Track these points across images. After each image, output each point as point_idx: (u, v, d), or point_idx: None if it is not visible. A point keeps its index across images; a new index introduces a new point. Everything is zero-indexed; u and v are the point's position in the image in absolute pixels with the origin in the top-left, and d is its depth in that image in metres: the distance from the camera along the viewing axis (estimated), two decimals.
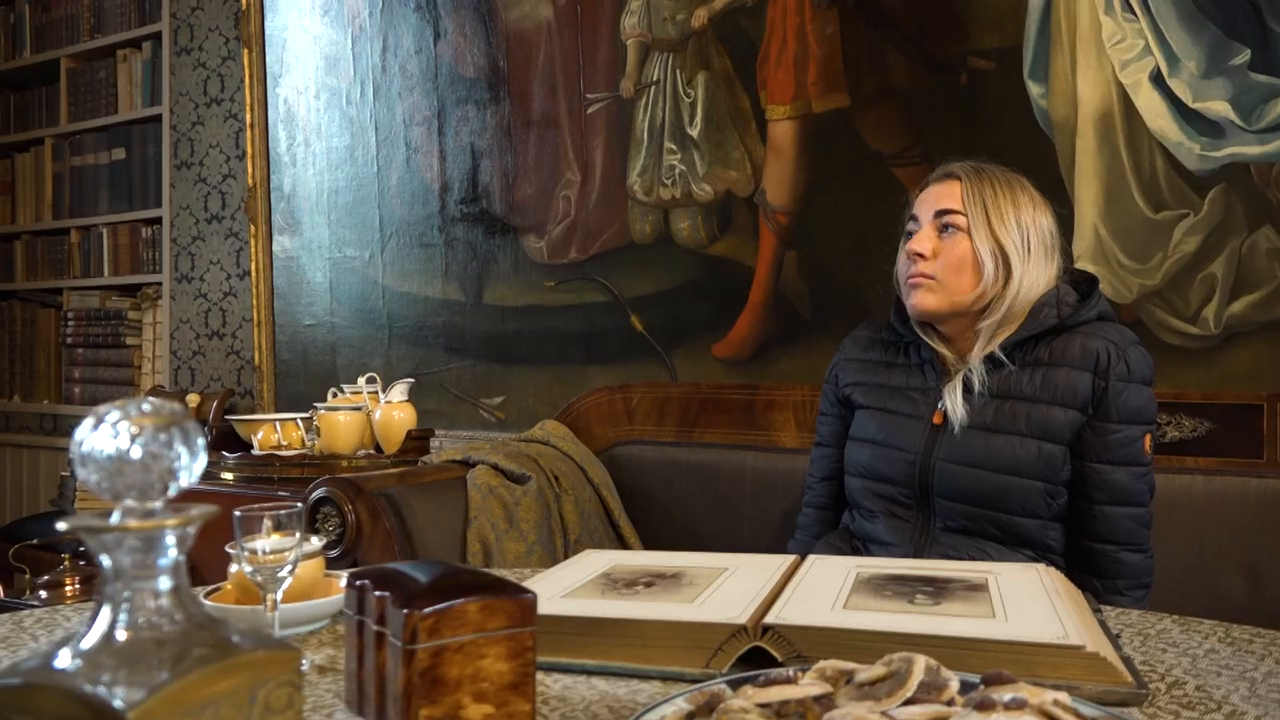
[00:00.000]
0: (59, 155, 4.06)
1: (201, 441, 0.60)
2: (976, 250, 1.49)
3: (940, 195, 1.54)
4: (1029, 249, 1.51)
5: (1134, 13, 1.93)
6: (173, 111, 3.67)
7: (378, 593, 0.75)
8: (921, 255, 1.52)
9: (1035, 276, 1.50)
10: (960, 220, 1.51)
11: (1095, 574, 1.45)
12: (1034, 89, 2.03)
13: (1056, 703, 0.64)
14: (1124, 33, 1.94)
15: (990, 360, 1.49)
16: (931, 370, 1.57)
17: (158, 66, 3.72)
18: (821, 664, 0.74)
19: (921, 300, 1.52)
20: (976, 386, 1.48)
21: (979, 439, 1.46)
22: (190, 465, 0.59)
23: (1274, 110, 1.82)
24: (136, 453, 0.57)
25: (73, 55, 3.97)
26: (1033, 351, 1.49)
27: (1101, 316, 1.51)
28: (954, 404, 1.48)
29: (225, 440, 2.73)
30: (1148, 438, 1.45)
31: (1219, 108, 1.86)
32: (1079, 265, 1.98)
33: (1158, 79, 1.91)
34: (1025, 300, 1.49)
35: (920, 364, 1.59)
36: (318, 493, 1.88)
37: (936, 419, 1.52)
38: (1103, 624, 0.95)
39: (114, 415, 0.58)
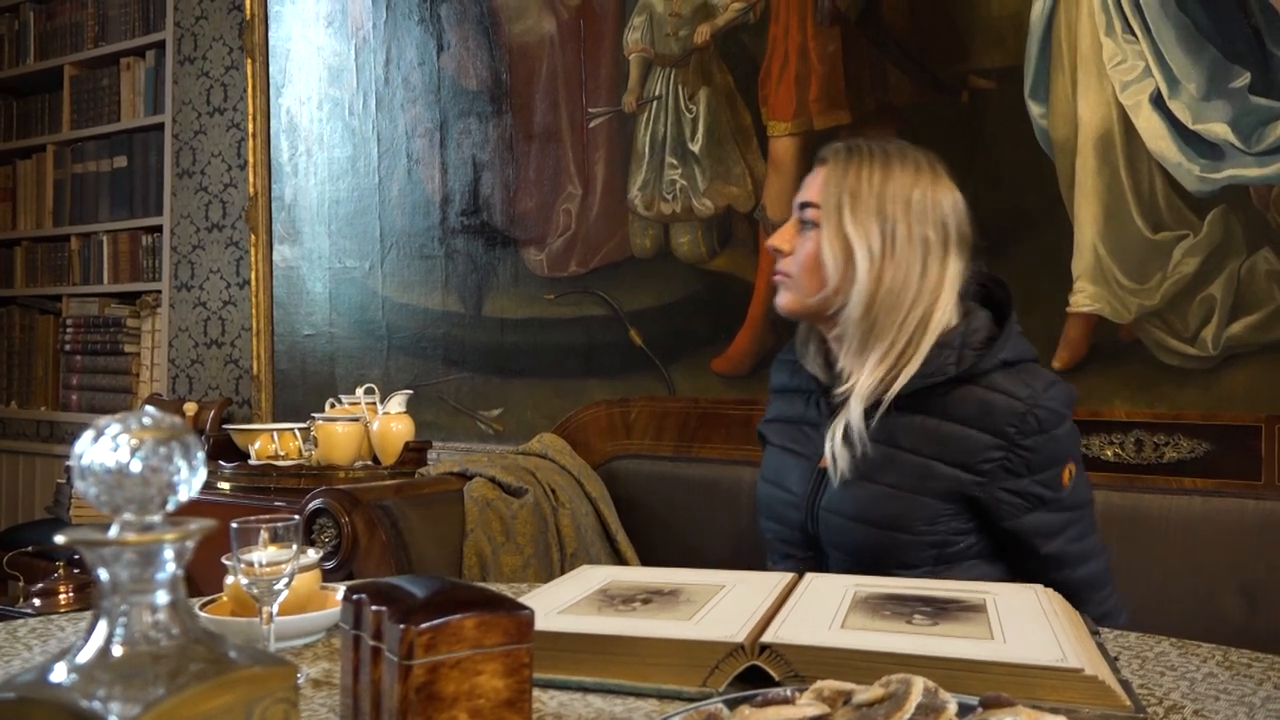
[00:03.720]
0: (61, 162, 4.06)
1: (201, 455, 0.60)
2: (822, 248, 1.33)
3: (805, 184, 1.40)
4: (892, 243, 1.31)
5: (1134, 34, 1.94)
6: (175, 120, 3.68)
7: (374, 607, 0.75)
8: (780, 251, 1.38)
9: (904, 277, 1.30)
10: (814, 214, 1.35)
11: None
12: (1034, 109, 2.04)
13: None
14: (1124, 54, 1.95)
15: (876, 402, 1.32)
16: (825, 403, 1.41)
17: (161, 75, 3.73)
18: (819, 684, 0.73)
19: (779, 300, 1.39)
20: (855, 434, 1.31)
21: (860, 490, 1.32)
22: (190, 479, 0.59)
23: (1274, 133, 1.82)
24: (136, 466, 0.57)
25: (76, 62, 3.99)
26: (926, 399, 1.31)
27: (1007, 364, 1.31)
28: (833, 450, 1.33)
29: (222, 450, 2.72)
30: (1066, 470, 1.32)
31: (1219, 130, 1.86)
32: (1078, 285, 1.99)
33: (1158, 100, 1.92)
34: (890, 307, 1.30)
35: (813, 393, 1.43)
36: (314, 504, 1.88)
37: (822, 463, 1.38)
38: (1101, 647, 0.94)
39: (114, 428, 0.58)
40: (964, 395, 1.30)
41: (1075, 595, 1.30)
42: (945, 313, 1.33)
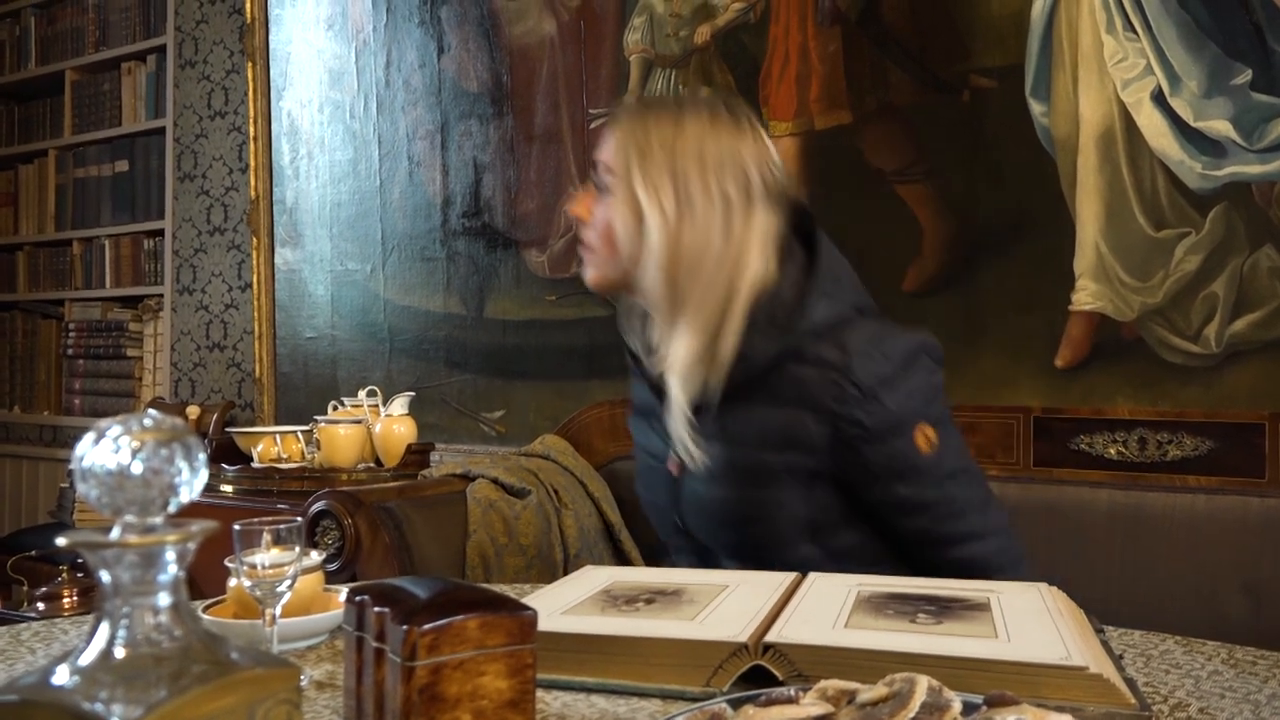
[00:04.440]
0: (62, 167, 4.07)
1: (203, 457, 0.59)
2: (614, 214, 1.22)
3: (600, 143, 1.27)
4: (688, 202, 1.18)
5: (1135, 32, 1.94)
6: (176, 124, 3.68)
7: (377, 608, 0.75)
8: (579, 220, 1.27)
9: (705, 238, 1.18)
10: (606, 178, 1.23)
11: (943, 572, 1.22)
12: (1036, 107, 2.04)
13: None
14: (1125, 52, 1.95)
15: (705, 398, 1.22)
16: (658, 392, 1.28)
17: (162, 79, 3.74)
18: (823, 683, 0.73)
19: (584, 276, 1.29)
20: (684, 425, 1.22)
21: (710, 492, 1.25)
22: (191, 481, 0.59)
23: (1275, 130, 1.82)
24: (137, 468, 0.57)
25: (77, 67, 3.99)
26: (745, 386, 1.21)
27: (820, 329, 1.19)
28: (675, 449, 1.25)
29: (225, 452, 2.73)
30: (919, 434, 1.20)
31: (1220, 127, 1.86)
32: (1080, 283, 1.98)
33: (1159, 98, 1.92)
34: (692, 271, 1.18)
35: (649, 376, 1.31)
36: (317, 506, 1.88)
37: (674, 469, 1.30)
38: (1106, 645, 0.94)
39: (115, 430, 0.57)
40: (781, 374, 1.19)
41: (957, 572, 1.20)
42: (755, 272, 1.20)
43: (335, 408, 2.64)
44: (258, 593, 0.90)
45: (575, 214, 1.28)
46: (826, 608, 0.98)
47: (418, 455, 2.51)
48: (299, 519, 0.95)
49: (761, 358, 1.19)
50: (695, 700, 0.85)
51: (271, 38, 3.40)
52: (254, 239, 3.42)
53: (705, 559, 1.33)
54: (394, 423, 2.47)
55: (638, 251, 1.20)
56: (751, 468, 1.22)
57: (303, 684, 0.92)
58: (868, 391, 1.17)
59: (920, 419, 1.20)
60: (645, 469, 1.39)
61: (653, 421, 1.33)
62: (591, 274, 1.28)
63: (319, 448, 2.48)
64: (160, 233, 3.75)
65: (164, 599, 0.59)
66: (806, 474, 1.21)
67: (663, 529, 1.40)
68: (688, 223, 1.18)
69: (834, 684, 0.73)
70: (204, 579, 1.56)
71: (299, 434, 2.58)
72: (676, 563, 1.40)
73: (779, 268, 1.22)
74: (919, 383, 1.21)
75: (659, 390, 1.27)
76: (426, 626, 0.70)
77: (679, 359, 1.20)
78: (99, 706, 0.54)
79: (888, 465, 1.19)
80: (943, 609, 0.97)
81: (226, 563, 1.00)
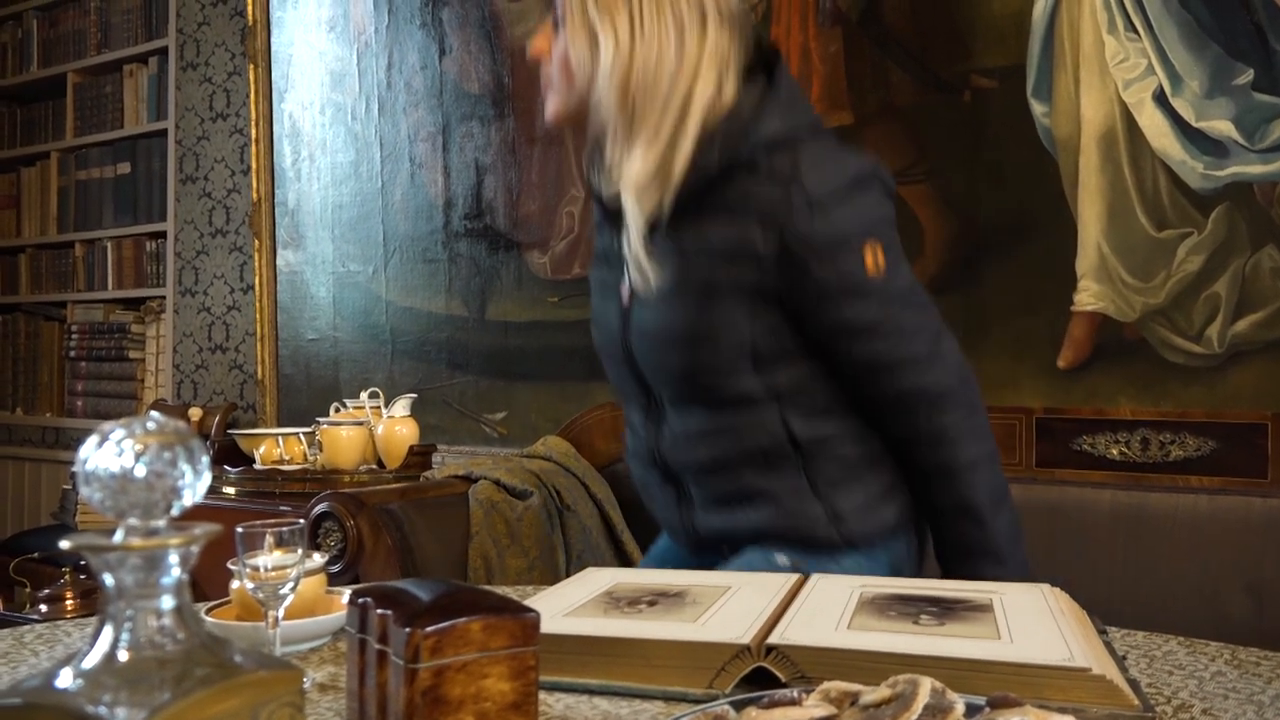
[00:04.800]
0: (65, 169, 4.07)
1: (206, 460, 0.60)
2: (570, 43, 1.23)
3: None
4: (640, 25, 1.20)
5: (1137, 32, 1.94)
6: (178, 126, 3.68)
7: (380, 611, 0.75)
8: (540, 58, 1.29)
9: (658, 56, 1.20)
10: (561, 10, 1.24)
11: (889, 409, 1.25)
12: (1037, 108, 2.04)
13: None
14: (1127, 52, 1.95)
15: (659, 214, 1.23)
16: (615, 226, 1.31)
17: (163, 81, 3.74)
18: (826, 685, 0.73)
19: (546, 110, 1.30)
20: (639, 243, 1.23)
21: (658, 309, 1.26)
22: (194, 484, 0.59)
23: (1277, 130, 1.82)
24: (140, 471, 0.57)
25: (79, 70, 3.99)
26: (701, 200, 1.23)
27: (774, 143, 1.20)
28: (629, 270, 1.26)
29: (227, 454, 2.73)
30: (867, 252, 1.20)
31: (1222, 127, 1.86)
32: (1082, 283, 1.98)
33: (1161, 98, 1.92)
34: (647, 89, 1.20)
35: (609, 214, 1.33)
36: (319, 508, 1.88)
37: (625, 294, 1.31)
38: (1109, 646, 0.94)
39: (118, 433, 0.58)
40: (732, 186, 1.21)
41: (903, 408, 1.24)
42: (708, 90, 1.22)
43: (337, 409, 2.64)
44: (260, 595, 0.90)
45: (534, 52, 1.29)
46: (829, 609, 0.98)
47: (420, 457, 2.51)
48: (301, 521, 0.95)
49: (714, 168, 1.21)
50: (698, 702, 0.85)
51: (273, 40, 3.40)
52: (256, 241, 3.42)
53: (651, 414, 1.34)
54: (396, 424, 2.48)
55: (594, 75, 1.22)
56: (699, 283, 1.23)
57: (306, 687, 0.92)
58: (816, 203, 1.18)
59: (869, 238, 1.21)
60: (599, 313, 1.40)
61: (610, 259, 1.35)
62: (551, 107, 1.29)
63: (321, 449, 2.48)
64: (162, 235, 3.75)
65: (167, 602, 0.59)
66: (752, 290, 1.22)
67: (613, 372, 1.39)
68: (640, 42, 1.20)
69: (837, 686, 0.73)
70: (207, 581, 1.57)
71: (301, 436, 2.58)
72: (629, 421, 1.41)
73: (736, 92, 1.23)
74: (869, 203, 1.23)
75: (616, 216, 1.29)
76: (429, 629, 0.70)
77: (633, 176, 1.22)
78: (103, 710, 0.54)
79: (835, 284, 1.20)
80: (945, 610, 0.97)
81: (229, 565, 1.00)
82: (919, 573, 1.36)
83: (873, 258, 1.20)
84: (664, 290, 1.24)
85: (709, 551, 1.36)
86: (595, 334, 1.42)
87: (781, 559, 1.28)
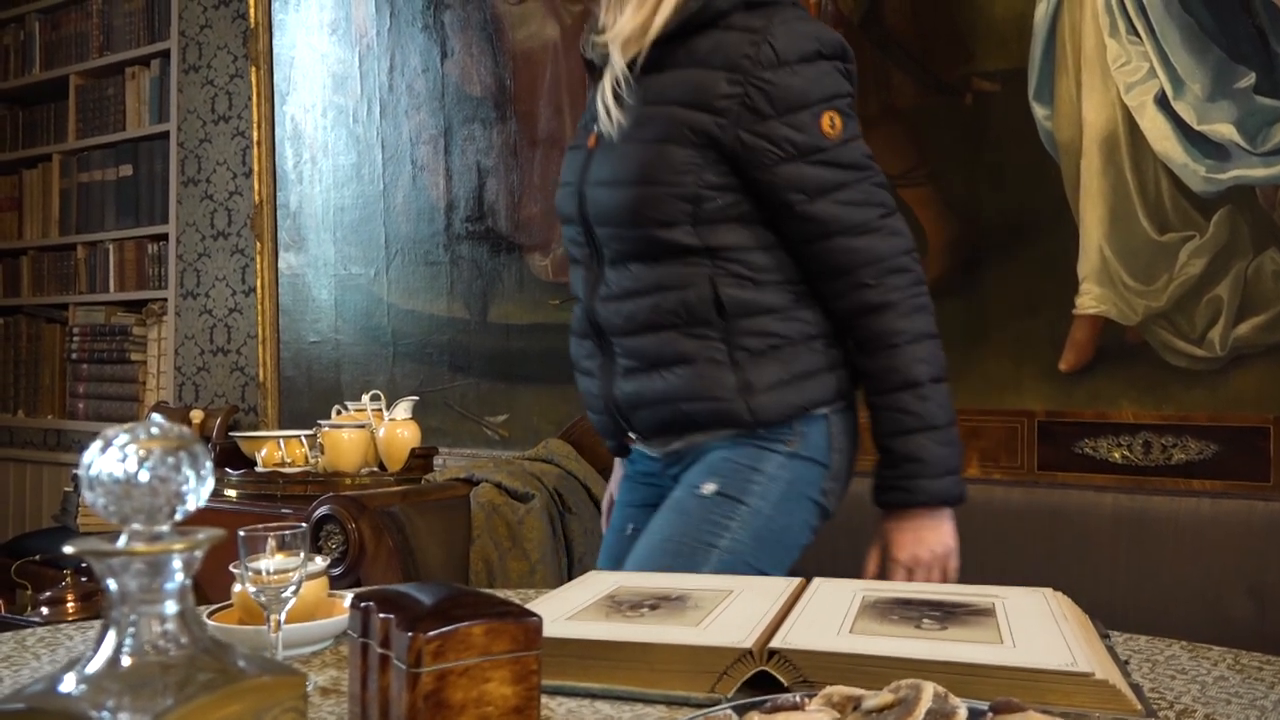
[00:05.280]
0: (67, 171, 4.08)
1: (209, 465, 0.60)
2: None
3: None
4: None
5: (1139, 35, 1.94)
6: (180, 129, 3.69)
7: (382, 615, 0.75)
8: None
9: None
10: None
11: (835, 275, 1.30)
12: (1039, 111, 2.04)
13: None
14: (1129, 55, 1.95)
15: (633, 66, 1.31)
16: (595, 82, 1.39)
17: (166, 84, 3.75)
18: (828, 690, 0.73)
19: None
20: (620, 85, 1.31)
21: (617, 150, 1.32)
22: (198, 489, 0.59)
23: (1279, 133, 1.82)
24: (144, 476, 0.57)
25: (81, 72, 4.00)
26: (675, 52, 1.30)
27: (751, 3, 1.28)
28: (601, 113, 1.33)
29: (229, 457, 2.73)
30: (826, 117, 1.26)
31: (1224, 130, 1.86)
32: (1084, 286, 1.98)
33: (1162, 101, 1.92)
34: None
35: (593, 73, 1.42)
36: (321, 510, 1.88)
37: (590, 142, 1.37)
38: (1111, 650, 0.94)
39: (122, 438, 0.58)
40: (704, 37, 1.29)
41: (850, 273, 1.28)
42: None
43: (339, 412, 2.64)
44: (262, 599, 0.90)
45: None
46: (831, 613, 0.98)
47: (421, 459, 2.51)
48: (303, 524, 0.95)
49: (693, 19, 1.28)
50: (700, 706, 0.84)
51: (275, 42, 3.40)
52: (257, 243, 3.42)
53: (591, 275, 1.38)
54: (397, 427, 2.47)
55: None
56: (658, 127, 1.29)
57: (308, 691, 0.92)
58: (783, 58, 1.25)
59: (829, 105, 1.27)
60: (564, 172, 1.45)
61: (586, 124, 1.42)
62: None
63: (322, 452, 2.48)
64: (164, 237, 3.75)
65: (171, 607, 0.59)
66: (707, 141, 1.27)
67: (565, 228, 1.44)
68: None
69: (839, 690, 0.73)
70: (209, 584, 1.57)
71: (303, 438, 2.58)
72: (575, 295, 1.45)
73: None
74: (834, 74, 1.29)
75: (599, 69, 1.37)
76: (431, 633, 0.70)
77: (621, 29, 1.31)
78: (106, 715, 0.54)
79: (789, 140, 1.25)
80: (947, 614, 0.97)
81: (231, 569, 1.00)
82: (846, 467, 1.38)
83: (829, 123, 1.26)
84: (624, 133, 1.31)
85: (628, 442, 1.42)
86: (557, 196, 1.46)
87: (709, 487, 1.30)
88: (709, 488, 1.31)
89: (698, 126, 1.27)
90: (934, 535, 1.31)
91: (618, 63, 1.31)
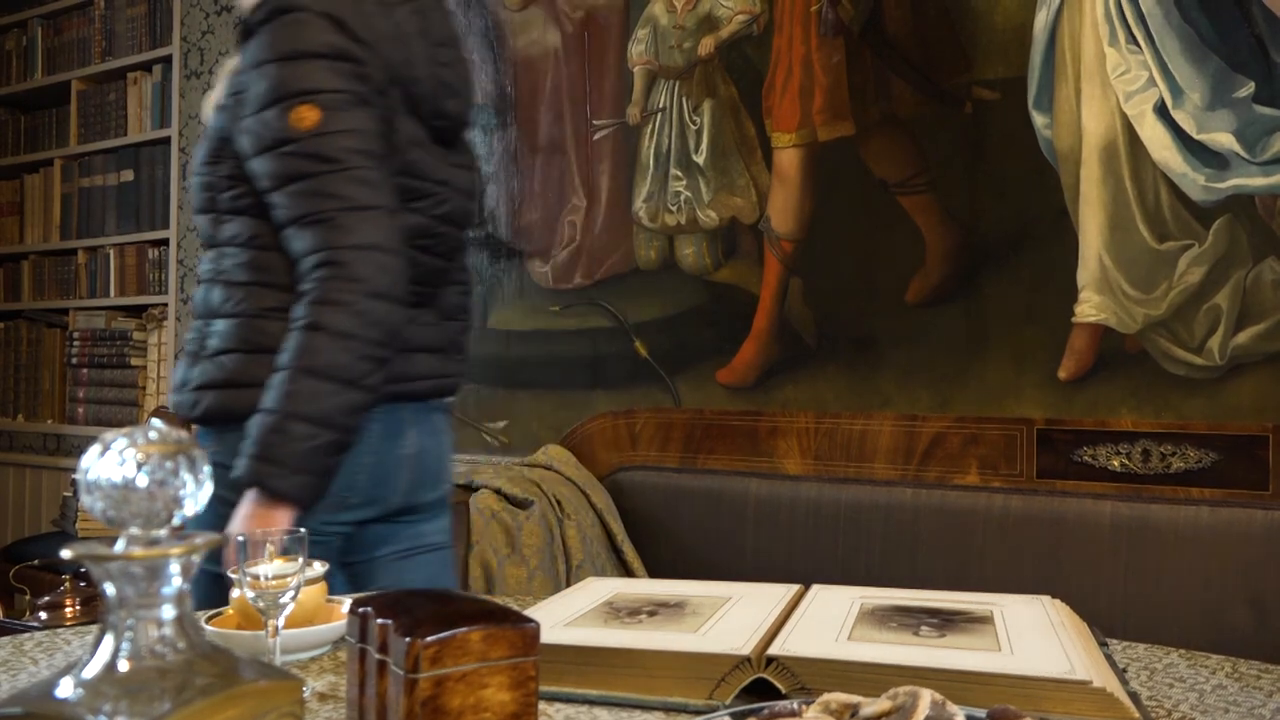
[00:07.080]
0: (68, 176, 4.08)
1: (207, 470, 0.60)
2: None
3: None
4: None
5: (1138, 44, 1.95)
6: (181, 134, 3.69)
7: (380, 620, 0.75)
8: None
9: None
10: None
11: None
12: (1038, 119, 2.04)
13: None
14: (1128, 64, 1.95)
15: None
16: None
17: (167, 89, 3.75)
18: (826, 696, 0.73)
19: None
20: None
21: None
22: (196, 494, 0.59)
23: (1278, 142, 1.82)
24: (142, 481, 0.57)
25: (83, 77, 4.00)
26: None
27: (277, 9, 1.27)
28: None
29: None
30: (294, 111, 1.26)
31: (1223, 139, 1.87)
32: (1083, 295, 1.99)
33: (1162, 110, 1.92)
34: None
35: None
36: None
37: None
38: (1109, 658, 0.94)
39: (120, 443, 0.58)
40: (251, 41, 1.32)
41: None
42: None
43: None
44: (261, 604, 0.90)
45: None
46: (829, 620, 0.97)
47: None
48: (302, 529, 0.95)
49: (253, 23, 1.31)
50: (698, 713, 0.84)
51: None
52: None
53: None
54: None
55: None
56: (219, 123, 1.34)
57: (306, 696, 0.92)
58: (262, 57, 1.28)
59: (304, 100, 1.26)
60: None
61: None
62: None
63: None
64: (165, 242, 3.75)
65: (168, 611, 0.59)
66: (219, 137, 1.33)
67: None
68: None
69: (837, 697, 0.73)
70: None
71: None
72: None
73: None
74: (317, 71, 1.27)
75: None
76: (429, 639, 0.70)
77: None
78: (102, 719, 0.54)
79: (259, 131, 1.27)
80: (945, 622, 0.97)
81: (229, 573, 1.00)
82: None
83: (295, 116, 1.26)
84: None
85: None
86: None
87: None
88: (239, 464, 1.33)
89: (226, 113, 1.34)
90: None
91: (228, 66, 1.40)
